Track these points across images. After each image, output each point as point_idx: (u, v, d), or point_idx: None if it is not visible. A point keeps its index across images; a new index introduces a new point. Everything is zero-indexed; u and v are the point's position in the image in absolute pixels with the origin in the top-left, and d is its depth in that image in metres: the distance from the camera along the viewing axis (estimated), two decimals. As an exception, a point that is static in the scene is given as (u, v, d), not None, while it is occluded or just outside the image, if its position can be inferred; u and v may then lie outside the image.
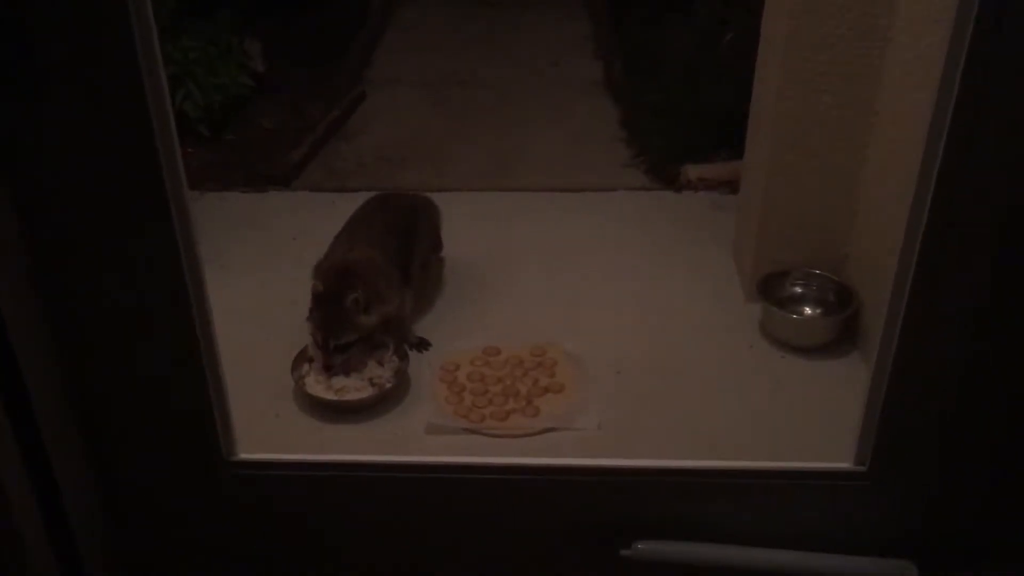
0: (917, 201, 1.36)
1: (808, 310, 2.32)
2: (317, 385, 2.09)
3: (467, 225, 2.68)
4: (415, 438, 2.01)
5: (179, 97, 3.05)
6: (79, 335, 1.47)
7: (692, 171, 2.99)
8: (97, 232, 1.39)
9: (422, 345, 2.27)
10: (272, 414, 2.07)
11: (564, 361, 2.20)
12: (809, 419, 2.03)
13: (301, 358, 2.15)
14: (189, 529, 1.70)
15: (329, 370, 2.09)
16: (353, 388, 2.08)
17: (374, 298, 2.11)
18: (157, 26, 1.27)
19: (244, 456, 1.63)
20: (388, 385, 2.10)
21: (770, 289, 2.31)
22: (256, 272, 2.54)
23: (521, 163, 3.21)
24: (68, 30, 1.23)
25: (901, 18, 2.02)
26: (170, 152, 1.32)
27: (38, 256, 1.40)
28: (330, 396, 2.07)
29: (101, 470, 1.60)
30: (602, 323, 2.36)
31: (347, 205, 2.46)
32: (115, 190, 1.35)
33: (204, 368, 1.50)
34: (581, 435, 2.01)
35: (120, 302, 1.45)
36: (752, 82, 2.40)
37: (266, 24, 3.79)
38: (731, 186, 2.81)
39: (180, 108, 3.02)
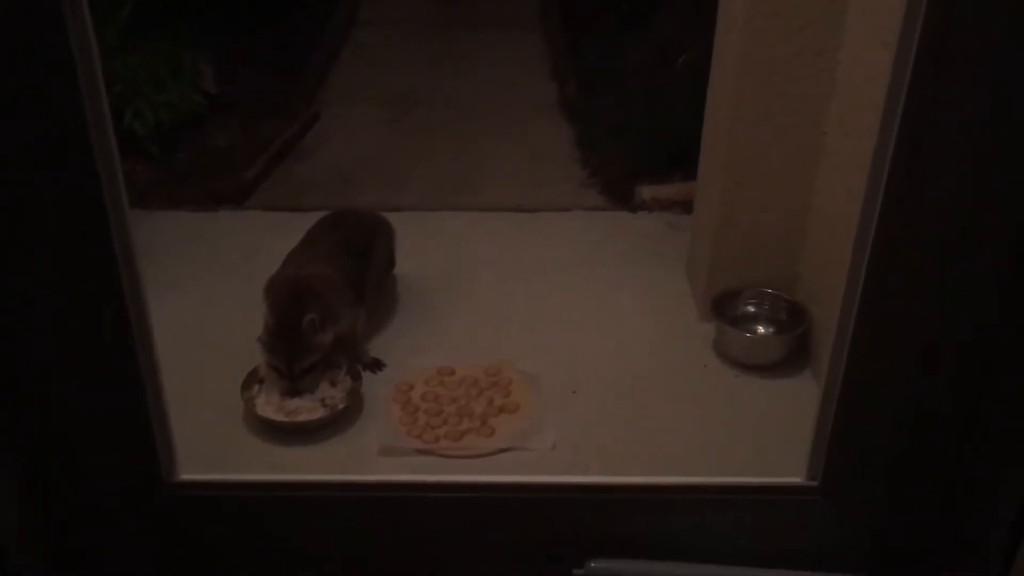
0: (863, 221, 1.37)
1: (761, 329, 2.34)
2: (267, 406, 2.06)
3: (422, 244, 2.67)
4: (368, 459, 1.99)
5: (128, 115, 3.00)
6: (14, 350, 1.43)
7: (647, 191, 3.01)
8: (34, 246, 1.35)
9: (376, 365, 2.25)
10: (220, 435, 2.03)
11: (519, 381, 2.19)
12: (763, 436, 2.04)
13: (251, 379, 2.12)
14: (130, 553, 1.66)
15: (296, 395, 2.06)
16: (305, 409, 2.05)
17: (327, 316, 2.08)
18: (106, 44, 1.25)
19: (186, 477, 1.59)
20: (341, 406, 2.07)
21: (723, 308, 2.32)
22: (205, 291, 2.50)
23: (477, 183, 3.21)
24: (5, 42, 1.21)
25: (849, 40, 2.05)
26: (110, 165, 1.29)
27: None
28: (280, 417, 2.03)
29: (38, 492, 1.55)
30: (557, 342, 2.35)
31: (301, 224, 2.44)
32: (53, 204, 1.32)
33: (144, 387, 1.47)
34: (536, 455, 2.00)
35: (57, 319, 1.41)
36: (705, 102, 2.42)
37: (221, 41, 3.76)
38: (685, 206, 2.83)
39: (129, 126, 2.97)
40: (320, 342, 2.06)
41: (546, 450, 2.01)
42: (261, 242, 2.70)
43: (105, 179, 1.29)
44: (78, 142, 1.26)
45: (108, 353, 1.44)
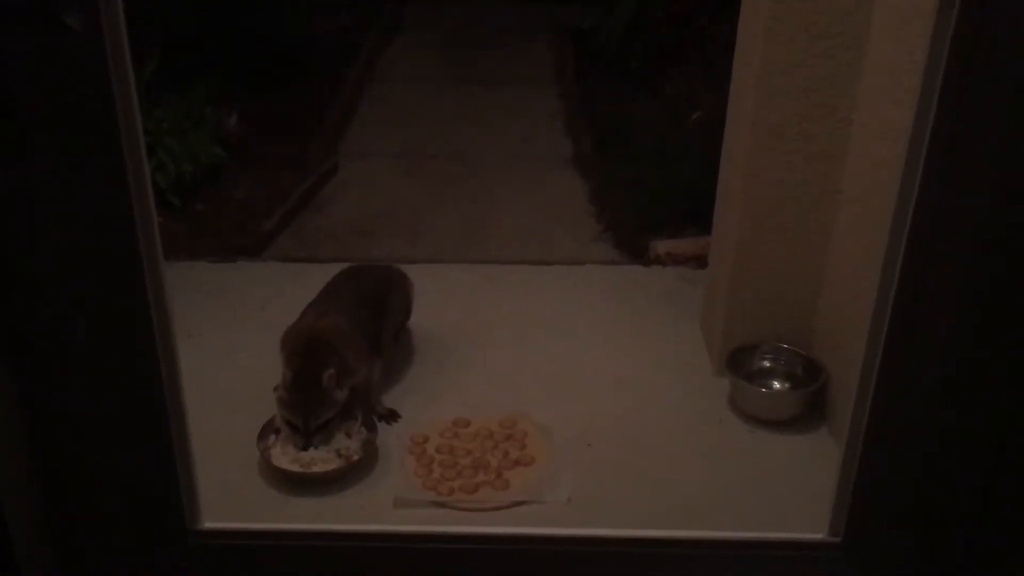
0: (885, 277, 1.38)
1: (777, 384, 2.34)
2: (283, 457, 2.06)
3: (438, 296, 2.68)
4: (383, 511, 1.98)
5: (151, 167, 3.04)
6: (46, 398, 1.45)
7: (661, 246, 3.03)
8: (70, 298, 1.38)
9: (391, 417, 2.25)
10: (237, 485, 2.03)
11: (534, 433, 2.19)
12: (779, 492, 2.03)
13: (267, 429, 2.12)
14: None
15: (308, 449, 2.05)
16: (320, 460, 2.05)
17: (343, 369, 2.09)
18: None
19: (209, 525, 1.59)
20: (356, 457, 2.07)
21: (739, 363, 2.32)
22: (223, 342, 2.52)
23: (492, 236, 3.24)
24: (52, 101, 1.24)
25: (863, 99, 2.08)
26: (148, 225, 1.32)
27: (7, 323, 1.38)
28: (296, 468, 2.03)
29: (64, 538, 1.55)
30: (572, 396, 2.35)
31: (318, 275, 2.46)
32: (90, 260, 1.34)
33: (171, 437, 1.48)
34: (551, 508, 1.99)
35: (88, 368, 1.43)
36: (718, 159, 2.45)
37: (241, 96, 3.82)
38: (699, 261, 2.85)
39: (151, 178, 3.01)
40: (338, 398, 2.07)
41: (561, 503, 2.00)
42: (278, 293, 2.72)
43: (143, 236, 1.31)
44: (117, 196, 1.29)
45: (138, 403, 1.45)
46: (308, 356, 2.07)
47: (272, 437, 2.11)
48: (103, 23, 1.19)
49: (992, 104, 1.28)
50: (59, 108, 1.24)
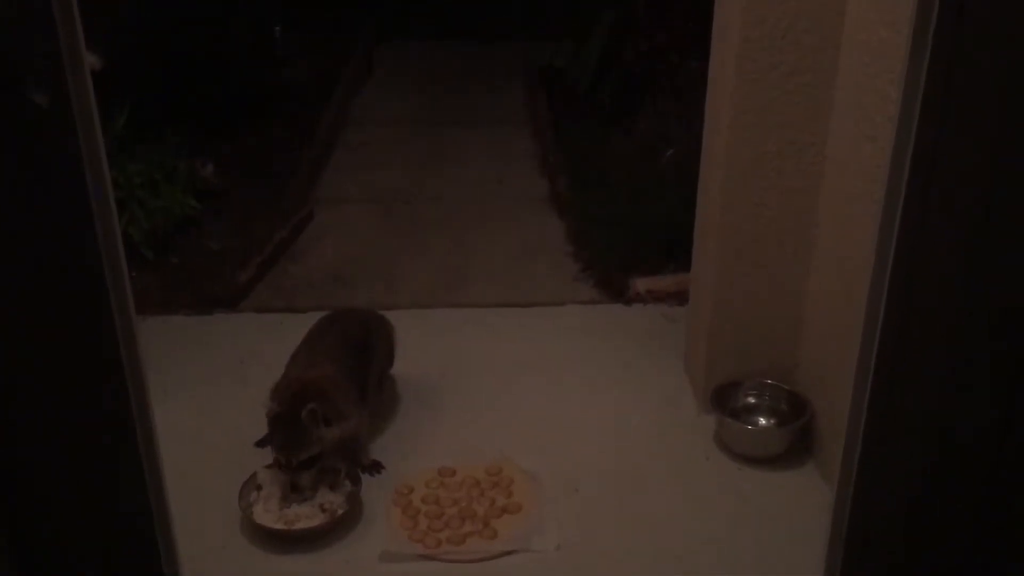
0: (869, 314, 1.37)
1: (763, 420, 2.32)
2: (266, 514, 2.02)
3: (418, 342, 2.66)
4: (369, 566, 1.95)
5: (123, 221, 3.02)
6: (15, 455, 1.41)
7: (641, 284, 3.02)
8: (39, 356, 1.35)
9: (375, 468, 2.22)
10: (219, 545, 1.99)
11: (521, 480, 2.16)
12: (769, 531, 2.01)
13: (249, 486, 2.08)
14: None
15: (297, 490, 2.03)
16: (304, 516, 2.01)
17: (334, 414, 2.07)
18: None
19: (190, 589, 1.55)
20: (340, 511, 2.03)
21: (723, 400, 2.31)
22: (201, 397, 2.48)
23: (470, 279, 3.22)
24: (20, 173, 1.23)
25: (834, 135, 2.09)
26: (119, 281, 1.30)
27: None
28: (279, 526, 1.99)
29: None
30: (558, 439, 2.33)
31: (295, 325, 2.44)
32: (60, 315, 1.32)
33: (149, 498, 1.44)
34: (540, 556, 1.96)
35: (61, 427, 1.40)
36: (695, 195, 2.45)
37: (214, 144, 3.81)
38: (680, 298, 2.84)
39: (124, 232, 2.99)
40: (323, 436, 2.04)
41: (550, 551, 1.97)
42: (255, 345, 2.69)
43: (114, 296, 1.29)
44: (85, 253, 1.27)
45: (112, 464, 1.42)
46: (293, 398, 2.05)
47: (254, 494, 2.07)
48: (71, 97, 1.17)
49: (968, 133, 1.28)
50: (28, 180, 1.22)
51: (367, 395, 2.26)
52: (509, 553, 1.97)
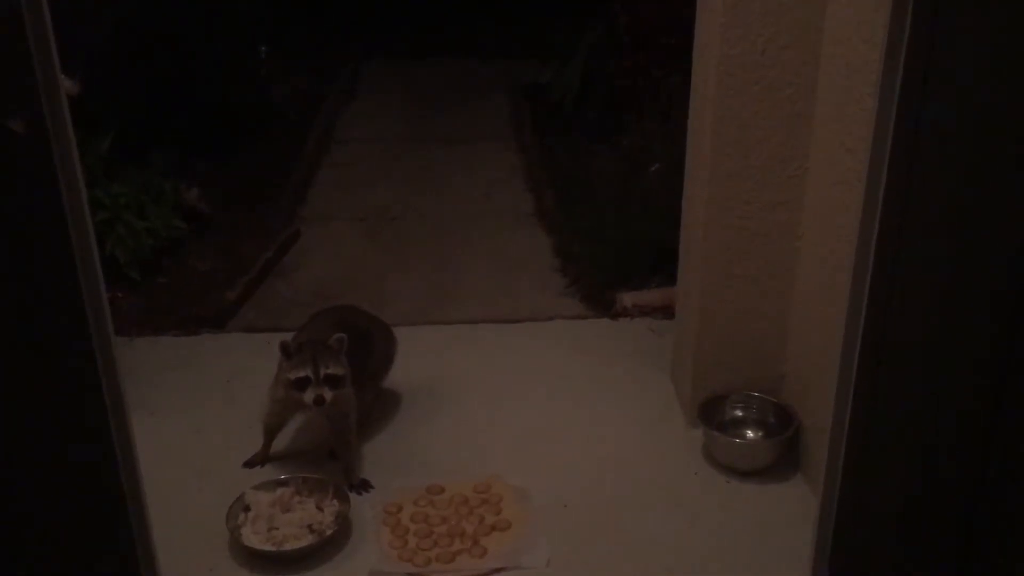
0: (851, 323, 1.38)
1: (750, 433, 2.33)
2: (254, 536, 2.01)
3: (405, 360, 2.65)
4: (358, 586, 1.94)
5: (109, 243, 3.02)
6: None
7: (627, 298, 3.03)
8: (17, 380, 1.34)
9: (363, 487, 2.21)
10: (206, 567, 1.98)
11: (509, 496, 2.16)
12: (758, 543, 2.02)
13: (236, 507, 2.07)
14: None
15: (320, 404, 2.09)
16: (292, 537, 2.01)
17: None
18: (88, 174, 1.27)
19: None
20: (329, 531, 2.03)
21: (711, 413, 2.32)
22: (188, 418, 2.47)
23: (457, 295, 3.23)
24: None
25: (815, 148, 2.11)
26: (97, 304, 1.29)
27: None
28: (268, 547, 1.98)
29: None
30: (546, 454, 2.33)
31: (283, 345, 2.43)
32: (39, 339, 1.31)
33: (131, 523, 1.44)
34: (530, 573, 1.96)
35: (40, 453, 1.39)
36: (679, 209, 2.47)
37: (200, 165, 3.81)
38: (667, 311, 2.85)
39: (110, 254, 2.99)
40: (344, 365, 2.13)
41: (540, 568, 1.97)
42: (243, 365, 2.68)
43: (92, 319, 1.29)
44: (63, 272, 1.27)
45: (92, 490, 1.41)
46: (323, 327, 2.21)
47: (242, 515, 2.06)
48: (47, 123, 1.18)
49: (945, 145, 1.30)
50: (5, 206, 1.23)
51: (362, 387, 2.30)
52: (499, 571, 1.97)
